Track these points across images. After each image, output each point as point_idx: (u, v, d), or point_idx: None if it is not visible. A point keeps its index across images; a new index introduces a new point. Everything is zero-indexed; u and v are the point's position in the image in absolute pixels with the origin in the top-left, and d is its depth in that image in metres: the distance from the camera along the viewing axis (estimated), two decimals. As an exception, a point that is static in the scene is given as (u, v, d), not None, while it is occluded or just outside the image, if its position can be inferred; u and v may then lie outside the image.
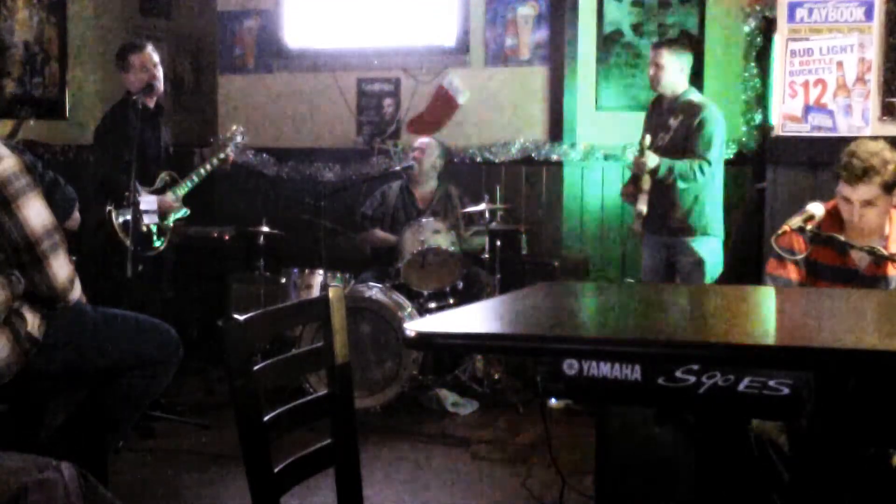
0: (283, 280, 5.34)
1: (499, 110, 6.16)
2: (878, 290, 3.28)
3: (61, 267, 3.03)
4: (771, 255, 3.44)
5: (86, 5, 6.26)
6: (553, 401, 4.71)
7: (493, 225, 5.44)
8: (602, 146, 5.94)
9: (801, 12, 4.49)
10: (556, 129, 6.03)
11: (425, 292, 5.28)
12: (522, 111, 6.12)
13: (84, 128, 5.97)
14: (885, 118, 4.41)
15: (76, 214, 3.44)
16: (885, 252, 3.21)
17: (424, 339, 1.86)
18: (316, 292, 5.18)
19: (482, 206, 5.38)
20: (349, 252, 5.87)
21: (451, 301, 5.28)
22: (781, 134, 4.59)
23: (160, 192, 4.89)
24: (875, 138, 3.61)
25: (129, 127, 4.62)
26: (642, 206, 4.81)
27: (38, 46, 5.87)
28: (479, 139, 6.16)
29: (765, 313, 2.43)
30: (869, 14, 4.39)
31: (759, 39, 5.52)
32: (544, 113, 6.09)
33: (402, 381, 4.89)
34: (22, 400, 3.23)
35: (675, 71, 4.87)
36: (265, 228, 5.42)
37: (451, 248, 5.22)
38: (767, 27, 5.43)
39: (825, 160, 4.28)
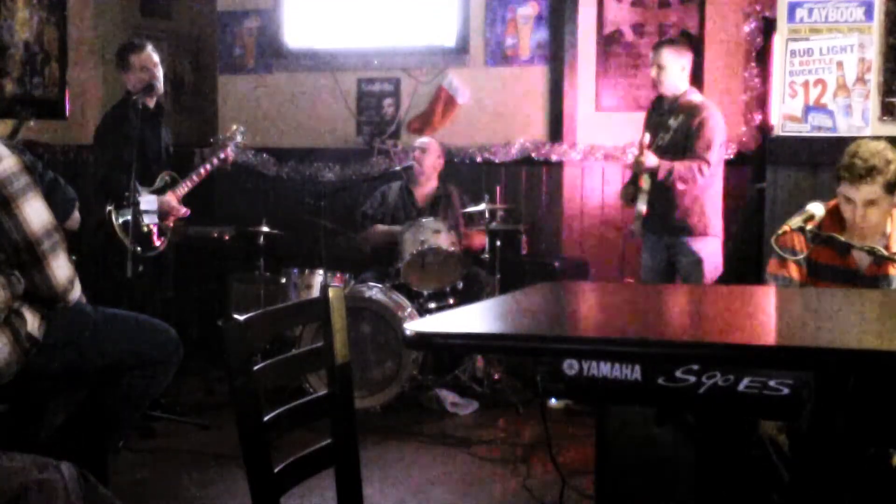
0: (283, 280, 5.34)
1: (499, 110, 6.16)
2: (879, 290, 3.28)
3: (61, 267, 3.03)
4: (772, 256, 3.44)
5: (86, 5, 6.26)
6: (553, 401, 4.71)
7: (493, 225, 5.44)
8: (602, 146, 5.94)
9: (801, 12, 4.49)
10: (556, 129, 6.03)
11: (425, 292, 5.28)
12: (522, 111, 6.12)
13: (84, 128, 5.97)
14: (885, 118, 4.41)
15: (76, 214, 3.44)
16: (884, 252, 3.20)
17: (424, 339, 1.86)
18: (316, 292, 5.18)
19: (482, 206, 5.38)
20: (349, 252, 5.87)
21: (451, 301, 5.28)
22: (781, 134, 4.59)
23: (160, 192, 4.89)
24: (875, 138, 3.61)
25: (130, 127, 4.62)
26: (642, 206, 4.81)
27: (38, 46, 5.87)
28: (479, 139, 6.16)
29: (765, 313, 2.43)
30: (869, 14, 4.39)
31: (759, 39, 5.52)
32: (544, 113, 6.09)
33: (402, 381, 4.89)
34: (22, 400, 3.23)
35: (676, 71, 4.87)
36: (265, 228, 5.42)
37: (451, 248, 5.22)
38: (767, 27, 5.43)
39: (825, 160, 4.27)
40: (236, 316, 1.90)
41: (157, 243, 4.84)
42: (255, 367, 1.93)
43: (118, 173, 4.63)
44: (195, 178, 5.04)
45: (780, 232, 3.26)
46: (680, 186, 4.74)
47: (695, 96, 4.94)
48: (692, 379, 1.72)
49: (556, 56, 6.02)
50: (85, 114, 6.13)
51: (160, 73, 4.95)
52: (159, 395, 3.85)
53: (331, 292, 2.14)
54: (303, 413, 2.08)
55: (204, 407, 4.95)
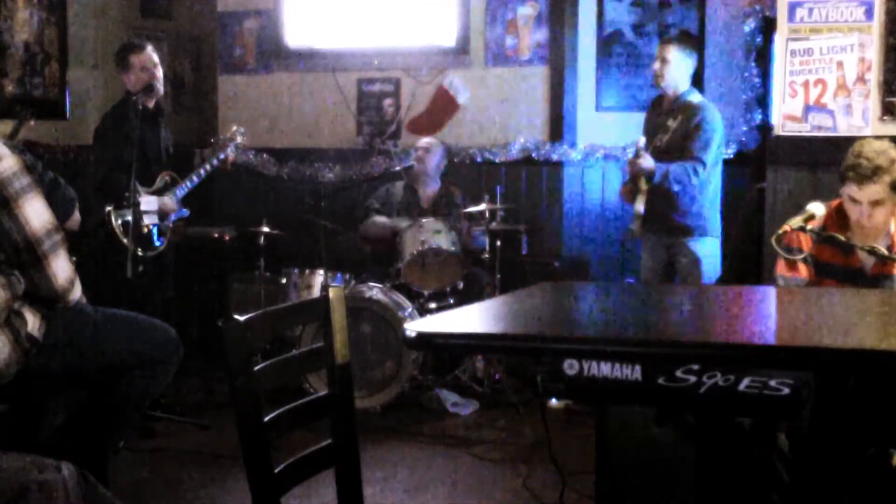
0: (283, 280, 5.34)
1: (499, 110, 6.16)
2: (880, 290, 3.28)
3: (61, 267, 3.04)
4: (779, 257, 3.44)
5: (86, 5, 6.26)
6: (553, 401, 4.71)
7: (494, 225, 5.44)
8: (602, 146, 5.94)
9: (801, 12, 4.49)
10: (556, 129, 6.03)
11: (425, 292, 5.28)
12: (522, 111, 6.12)
13: (84, 128, 5.96)
14: (885, 118, 4.41)
15: (76, 215, 3.44)
16: (884, 252, 3.20)
17: (424, 339, 1.86)
18: (316, 292, 5.18)
19: (483, 206, 5.38)
20: (349, 252, 5.87)
21: (451, 301, 5.28)
22: (781, 134, 4.59)
23: (160, 192, 4.89)
24: (876, 138, 3.61)
25: (129, 127, 4.61)
26: (640, 207, 4.81)
27: (38, 46, 5.87)
28: (479, 139, 6.16)
29: (765, 313, 2.43)
30: (869, 14, 4.39)
31: (759, 39, 5.53)
32: (544, 113, 6.09)
33: (402, 381, 4.89)
34: (22, 400, 3.23)
35: (679, 68, 4.87)
36: (265, 228, 5.42)
37: (452, 248, 5.22)
38: (767, 27, 5.43)
39: (825, 160, 4.27)
40: (236, 316, 1.90)
41: (157, 244, 4.84)
42: (255, 368, 1.93)
43: (118, 174, 4.63)
44: (195, 178, 5.04)
45: (780, 232, 3.26)
46: (675, 188, 4.75)
47: (694, 97, 4.94)
48: (692, 379, 1.72)
49: (556, 56, 6.02)
50: (85, 114, 6.13)
51: (160, 73, 4.95)
52: (159, 395, 3.85)
53: (331, 292, 2.14)
54: (303, 413, 2.08)
55: (204, 407, 4.95)
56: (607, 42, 5.96)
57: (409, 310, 5.01)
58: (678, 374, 1.72)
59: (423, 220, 5.32)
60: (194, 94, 7.06)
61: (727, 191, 5.06)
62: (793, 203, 3.72)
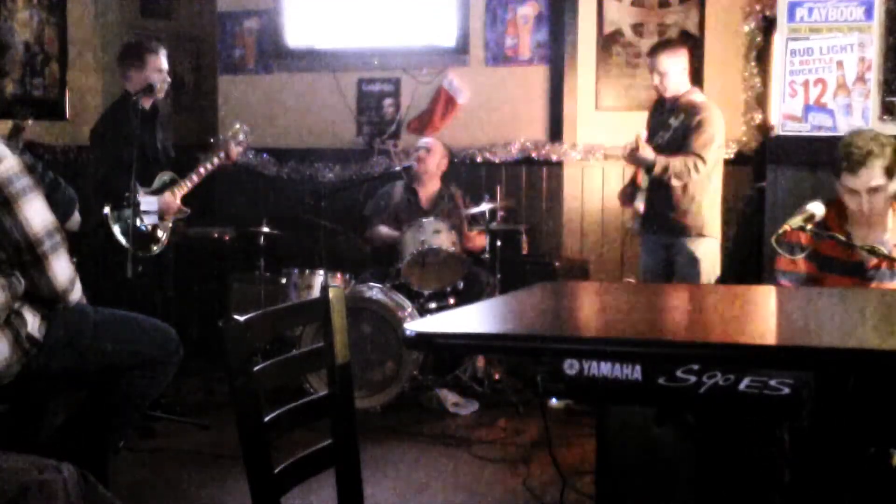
0: (283, 280, 5.34)
1: (499, 110, 6.16)
2: (880, 290, 3.28)
3: (62, 268, 3.03)
4: (777, 254, 3.44)
5: (86, 5, 6.26)
6: (553, 401, 4.71)
7: (494, 225, 5.44)
8: (602, 146, 5.94)
9: (801, 12, 4.49)
10: (556, 129, 6.04)
11: (425, 292, 5.28)
12: (522, 111, 6.12)
13: (84, 128, 5.96)
14: (885, 118, 4.40)
15: (76, 215, 3.44)
16: (884, 251, 3.21)
17: (424, 339, 1.86)
18: (316, 292, 5.18)
19: (483, 207, 5.38)
20: (349, 252, 5.87)
21: (451, 301, 5.28)
22: (781, 134, 4.59)
23: (159, 191, 4.89)
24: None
25: (129, 128, 4.61)
26: (639, 205, 4.81)
27: (38, 46, 5.87)
28: (479, 139, 6.16)
29: (765, 313, 2.43)
30: (869, 14, 4.39)
31: (759, 39, 5.52)
32: (544, 113, 6.09)
33: (402, 381, 4.89)
34: (22, 400, 3.23)
35: (677, 72, 4.87)
36: (265, 228, 5.42)
37: (452, 249, 5.22)
38: (767, 27, 5.42)
39: (825, 160, 4.26)
40: (236, 316, 1.90)
41: (156, 245, 4.84)
42: (255, 368, 1.93)
43: (116, 173, 4.63)
44: (195, 177, 5.04)
45: (780, 232, 3.26)
46: (675, 183, 4.75)
47: (696, 96, 4.94)
48: (692, 379, 1.72)
49: (556, 56, 6.02)
50: (85, 114, 6.13)
51: (167, 77, 4.99)
52: (159, 395, 3.85)
53: (331, 292, 2.14)
54: (303, 413, 2.08)
55: (204, 407, 4.95)
56: (607, 42, 5.96)
57: (409, 310, 5.01)
58: (678, 374, 1.72)
59: (424, 221, 5.32)
60: (194, 94, 7.06)
61: (727, 191, 5.06)
62: (793, 203, 3.71)
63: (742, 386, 1.70)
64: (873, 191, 3.34)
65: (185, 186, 5.00)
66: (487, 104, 6.18)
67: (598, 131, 5.97)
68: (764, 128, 5.50)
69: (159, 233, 4.86)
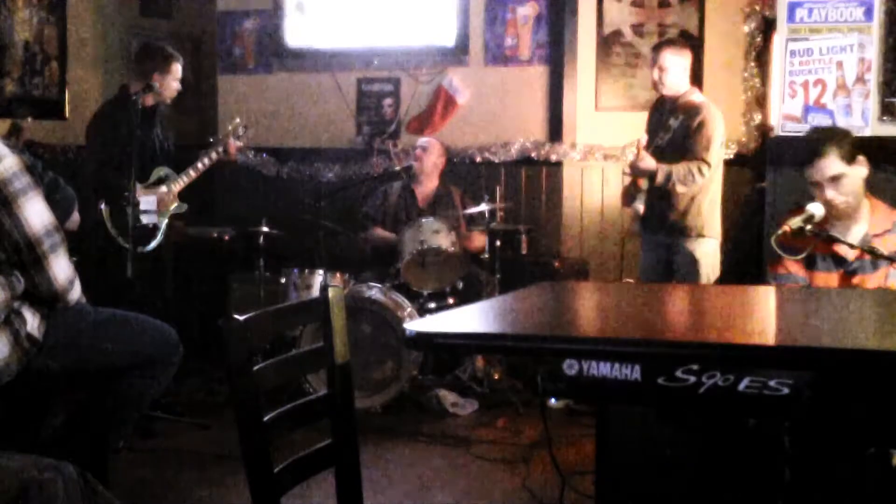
0: (283, 280, 5.34)
1: (499, 110, 6.16)
2: (879, 289, 3.28)
3: (61, 267, 3.03)
4: (776, 255, 3.44)
5: (86, 5, 6.26)
6: (553, 401, 4.71)
7: (493, 225, 5.44)
8: (602, 146, 5.94)
9: (800, 12, 4.49)
10: (556, 129, 6.04)
11: (425, 292, 5.28)
12: (522, 111, 6.13)
13: (84, 128, 5.97)
14: (884, 118, 4.41)
15: (76, 215, 3.44)
16: (883, 252, 3.21)
17: (424, 339, 1.86)
18: (316, 292, 5.18)
19: (483, 207, 5.38)
20: (349, 252, 5.87)
21: (451, 301, 5.28)
22: (781, 134, 4.59)
23: (155, 186, 4.89)
24: (875, 138, 3.62)
25: (129, 125, 4.61)
26: (640, 206, 4.81)
27: (38, 46, 5.87)
28: (479, 139, 6.16)
29: (765, 313, 2.43)
30: (869, 14, 4.39)
31: (759, 39, 5.53)
32: (544, 113, 6.10)
33: (402, 381, 4.89)
34: (22, 400, 3.23)
35: (678, 72, 4.87)
36: (265, 228, 5.42)
37: (451, 249, 5.22)
38: (767, 27, 5.43)
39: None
40: (236, 316, 1.90)
41: (153, 240, 4.83)
42: (255, 367, 1.93)
43: (108, 170, 4.63)
44: (192, 172, 5.04)
45: (779, 232, 3.26)
46: (680, 189, 4.74)
47: (696, 96, 4.94)
48: (692, 379, 1.72)
49: (556, 56, 6.02)
50: (85, 114, 6.11)
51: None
52: (159, 395, 3.84)
53: (331, 292, 2.13)
54: (303, 413, 2.08)
55: (204, 407, 4.95)
56: (607, 42, 5.96)
57: (409, 310, 5.01)
58: (678, 374, 1.72)
59: (423, 220, 5.32)
60: (194, 94, 7.06)
61: (727, 191, 5.06)
62: (793, 203, 3.72)
63: (741, 386, 1.70)
64: (834, 180, 3.34)
65: (182, 181, 4.99)
66: (487, 104, 6.18)
67: (598, 131, 5.97)
68: (764, 128, 5.50)
69: (155, 227, 4.85)
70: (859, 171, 3.37)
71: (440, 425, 4.80)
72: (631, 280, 5.65)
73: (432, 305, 5.28)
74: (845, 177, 3.34)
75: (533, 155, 6.05)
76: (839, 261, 3.38)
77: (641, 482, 2.12)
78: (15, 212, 2.93)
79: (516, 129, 6.11)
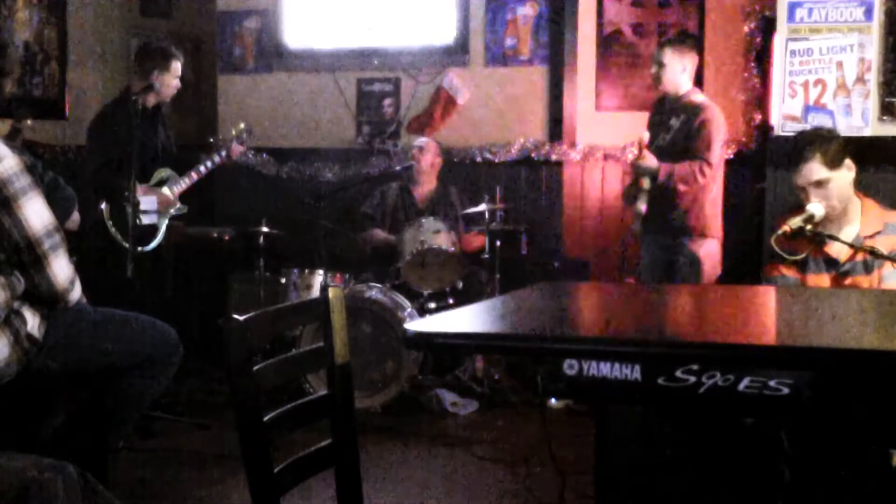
0: (283, 280, 5.34)
1: (499, 110, 6.16)
2: (879, 289, 3.28)
3: (62, 267, 3.03)
4: (772, 257, 3.44)
5: (86, 5, 6.26)
6: (553, 401, 4.71)
7: (493, 225, 5.44)
8: (602, 146, 5.94)
9: (800, 12, 4.49)
10: (556, 129, 6.04)
11: (425, 292, 5.28)
12: (522, 111, 6.13)
13: (84, 128, 5.97)
14: (884, 118, 4.41)
15: (76, 215, 3.44)
16: (883, 252, 3.20)
17: (424, 339, 1.86)
18: (316, 292, 5.18)
19: (482, 207, 5.38)
20: (349, 252, 5.87)
21: (451, 301, 5.28)
22: (781, 134, 4.59)
23: (156, 187, 4.89)
24: (876, 139, 3.62)
25: (130, 125, 4.61)
26: (642, 206, 4.80)
27: (38, 46, 5.87)
28: (479, 139, 6.16)
29: (765, 313, 2.43)
30: (869, 14, 4.39)
31: (759, 39, 5.52)
32: (544, 113, 6.09)
33: (402, 381, 4.89)
34: (22, 400, 3.23)
35: (676, 71, 4.87)
36: (265, 228, 5.42)
37: (451, 249, 5.22)
38: (767, 27, 5.42)
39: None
40: (236, 316, 1.90)
41: (153, 240, 4.83)
42: (255, 367, 1.93)
43: (108, 170, 4.63)
44: (194, 175, 5.04)
45: (779, 232, 3.26)
46: (682, 188, 4.74)
47: (697, 97, 4.94)
48: (692, 379, 1.72)
49: (556, 56, 6.02)
50: (85, 114, 6.13)
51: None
52: (159, 395, 3.84)
53: (331, 292, 2.13)
54: (303, 413, 2.08)
55: (204, 407, 4.95)
56: (607, 42, 5.96)
57: (409, 310, 5.01)
58: (678, 374, 1.72)
59: (423, 220, 5.33)
60: (194, 94, 7.07)
61: (727, 191, 5.06)
62: (793, 203, 3.72)
63: (741, 386, 1.70)
64: (818, 185, 3.33)
65: (184, 183, 5.00)
66: (487, 104, 6.18)
67: (598, 131, 5.97)
68: (764, 128, 5.50)
69: (155, 227, 4.85)
70: (845, 176, 3.36)
71: (440, 425, 4.80)
72: (631, 280, 5.65)
73: (432, 305, 5.28)
74: (829, 181, 3.33)
75: (533, 155, 6.05)
76: (831, 263, 3.37)
77: (641, 482, 2.12)
78: (15, 212, 2.93)
79: (516, 129, 6.11)
